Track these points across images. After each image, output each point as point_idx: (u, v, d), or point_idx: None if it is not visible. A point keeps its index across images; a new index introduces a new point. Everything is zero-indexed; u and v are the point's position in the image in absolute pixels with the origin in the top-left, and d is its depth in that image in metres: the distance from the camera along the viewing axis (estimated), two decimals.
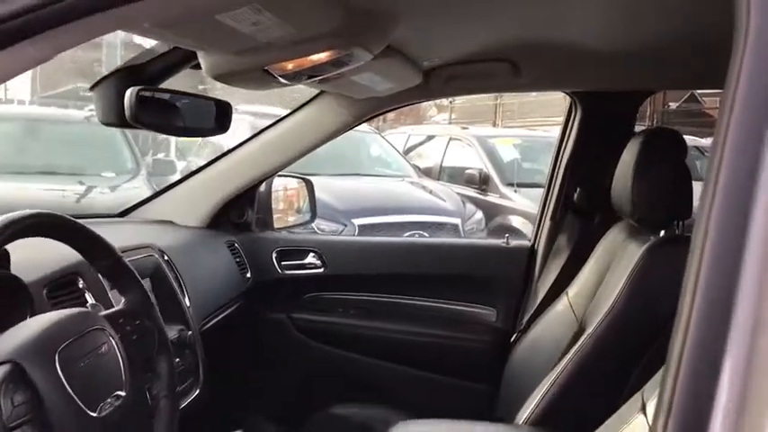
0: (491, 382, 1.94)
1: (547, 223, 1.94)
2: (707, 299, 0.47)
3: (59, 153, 5.16)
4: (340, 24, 1.07)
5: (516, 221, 6.38)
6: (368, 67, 1.38)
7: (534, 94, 16.00)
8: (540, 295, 1.90)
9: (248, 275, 2.03)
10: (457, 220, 5.68)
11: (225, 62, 1.13)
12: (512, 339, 1.90)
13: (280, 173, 2.12)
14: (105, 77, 1.24)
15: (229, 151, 2.06)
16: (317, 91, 1.90)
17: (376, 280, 2.06)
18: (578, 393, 1.36)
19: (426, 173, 7.22)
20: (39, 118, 5.81)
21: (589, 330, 1.37)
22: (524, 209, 6.34)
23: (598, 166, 1.81)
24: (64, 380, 0.87)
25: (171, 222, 1.98)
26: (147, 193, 4.85)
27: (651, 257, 1.33)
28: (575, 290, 1.71)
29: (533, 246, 1.99)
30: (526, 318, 1.91)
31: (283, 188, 2.40)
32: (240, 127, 7.37)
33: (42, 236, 1.00)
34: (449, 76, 1.71)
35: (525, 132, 8.09)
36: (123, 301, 1.11)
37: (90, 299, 1.25)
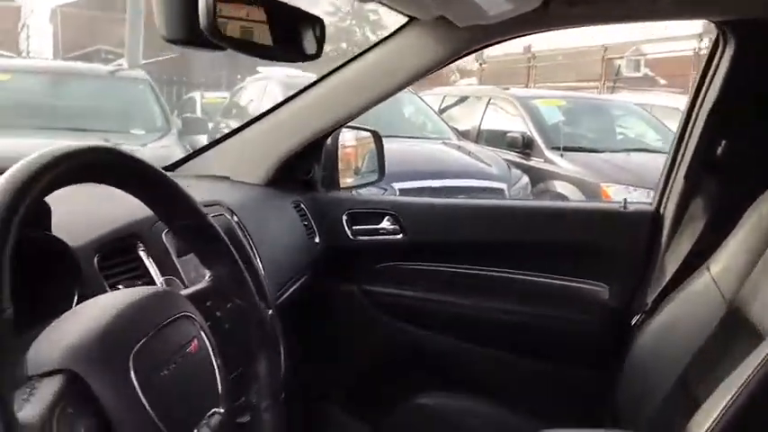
0: (602, 369, 1.65)
1: (679, 184, 1.61)
2: None
3: (86, 109, 4.87)
4: None
5: (562, 187, 6.04)
6: None
7: (561, 57, 15.51)
8: (669, 270, 1.58)
9: (316, 241, 1.73)
10: (503, 185, 5.36)
11: None
12: (634, 322, 1.60)
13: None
14: None
15: (293, 96, 1.75)
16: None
17: (464, 249, 1.76)
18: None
19: (463, 136, 6.87)
20: (63, 72, 5.51)
21: None
22: (571, 174, 6.01)
23: (751, 114, 1.48)
24: (143, 397, 0.58)
25: (227, 178, 1.69)
26: (179, 152, 4.59)
27: None
28: (720, 265, 1.40)
29: (658, 210, 1.67)
30: (650, 296, 1.60)
31: (348, 142, 2.10)
32: (274, 90, 7.07)
33: (103, 181, 0.71)
34: None
35: (569, 93, 7.69)
36: (209, 275, 0.81)
37: (153, 270, 0.95)
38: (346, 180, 2.08)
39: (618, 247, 1.70)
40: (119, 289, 0.89)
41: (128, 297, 0.63)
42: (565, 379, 1.70)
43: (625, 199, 1.73)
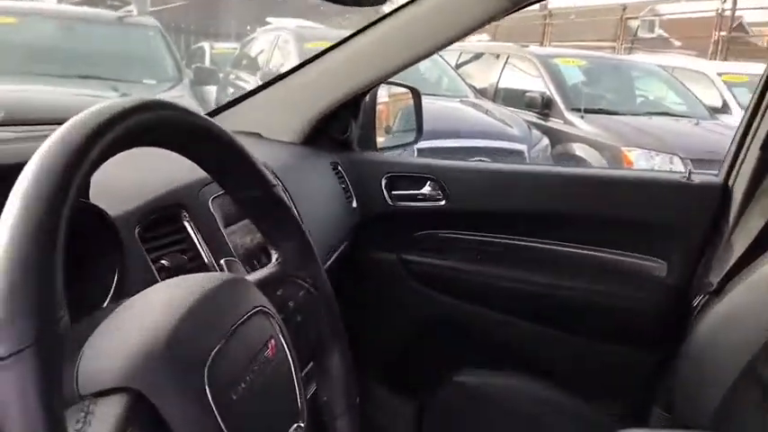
0: (657, 351, 1.55)
1: (753, 155, 1.48)
2: None
3: (95, 56, 4.69)
4: None
5: (581, 150, 5.89)
6: None
7: (574, 15, 15.15)
8: (738, 249, 1.46)
9: (354, 206, 1.61)
10: (523, 147, 5.22)
11: None
12: (695, 303, 1.48)
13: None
14: None
15: (332, 48, 1.61)
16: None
17: (511, 218, 1.64)
18: None
19: (480, 94, 6.69)
20: (72, 17, 5.31)
21: None
22: (591, 137, 5.85)
23: None
24: (220, 420, 0.46)
25: (258, 135, 1.57)
26: (192, 104, 4.44)
27: None
28: None
29: (726, 183, 1.54)
30: (713, 276, 1.48)
31: (380, 98, 1.96)
32: (286, 41, 6.85)
33: (165, 143, 0.58)
34: None
35: (590, 53, 7.47)
36: (277, 255, 0.69)
37: (199, 243, 0.84)
38: (379, 140, 1.96)
39: (679, 221, 1.57)
40: (162, 264, 0.78)
41: (195, 288, 0.51)
42: (616, 359, 1.60)
43: (690, 170, 1.59)
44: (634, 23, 16.25)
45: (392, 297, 1.68)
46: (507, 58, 7.12)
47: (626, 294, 1.59)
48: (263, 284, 0.62)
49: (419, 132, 1.94)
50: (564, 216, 1.63)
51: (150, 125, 0.51)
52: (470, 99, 6.09)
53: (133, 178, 0.81)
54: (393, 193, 1.68)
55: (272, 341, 0.55)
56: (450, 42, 1.50)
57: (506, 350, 1.64)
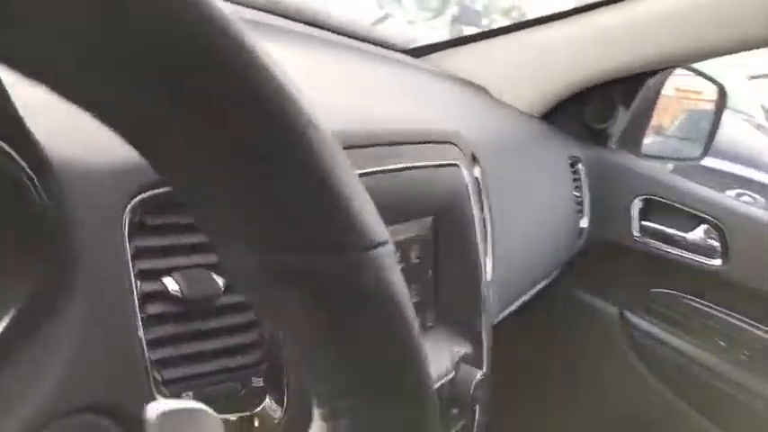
0: None
1: None
2: None
3: None
4: None
5: None
6: None
7: None
8: None
9: (582, 225, 1.13)
10: None
11: None
12: None
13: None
14: None
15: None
16: None
17: None
18: None
19: None
20: None
21: None
22: None
23: None
24: None
25: (485, 91, 1.13)
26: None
27: None
28: None
29: None
30: None
31: (666, 91, 1.42)
32: None
33: None
34: None
35: None
36: None
37: None
38: (646, 141, 1.44)
39: None
40: (162, 287, 0.38)
41: None
42: None
43: None
44: None
45: (596, 367, 1.19)
46: None
47: None
48: None
49: (707, 146, 1.37)
50: None
51: None
52: (755, 120, 5.08)
53: None
54: (644, 223, 1.16)
55: None
56: None
57: None
